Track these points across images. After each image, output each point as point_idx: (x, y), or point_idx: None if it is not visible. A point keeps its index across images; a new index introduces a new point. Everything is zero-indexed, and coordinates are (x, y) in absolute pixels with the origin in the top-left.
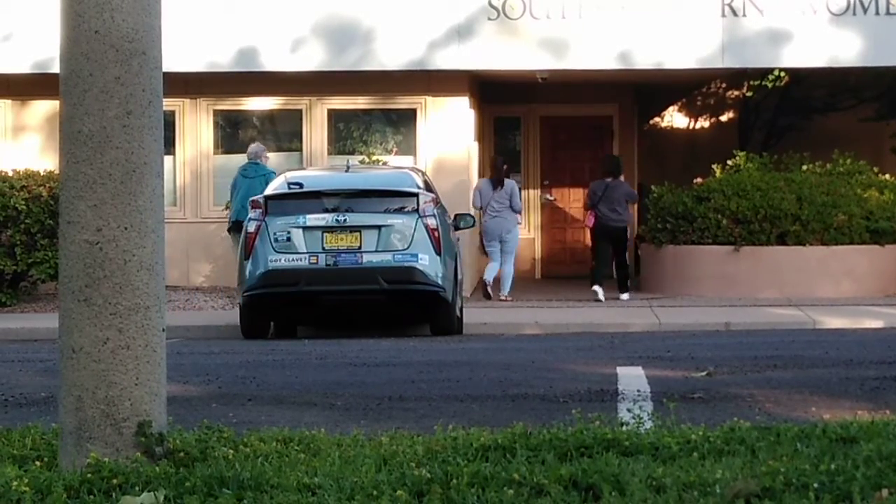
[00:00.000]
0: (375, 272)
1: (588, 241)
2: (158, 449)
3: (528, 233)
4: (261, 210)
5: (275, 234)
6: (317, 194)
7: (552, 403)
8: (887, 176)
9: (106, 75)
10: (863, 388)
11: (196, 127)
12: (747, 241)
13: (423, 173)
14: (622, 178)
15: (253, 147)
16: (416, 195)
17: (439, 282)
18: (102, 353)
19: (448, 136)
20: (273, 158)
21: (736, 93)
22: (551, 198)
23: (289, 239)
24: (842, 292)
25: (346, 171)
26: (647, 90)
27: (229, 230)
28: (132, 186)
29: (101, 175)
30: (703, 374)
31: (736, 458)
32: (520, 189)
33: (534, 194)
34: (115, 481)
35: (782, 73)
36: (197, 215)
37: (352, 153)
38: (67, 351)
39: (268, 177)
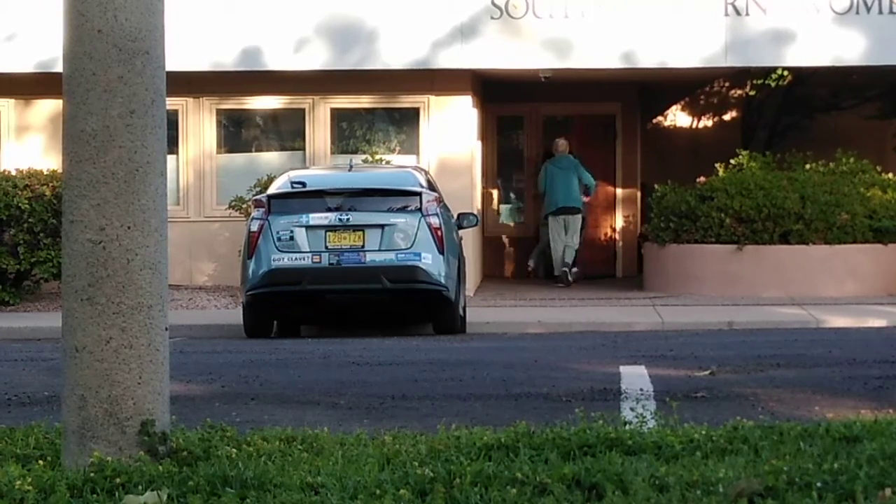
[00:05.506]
0: (378, 271)
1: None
2: (161, 448)
3: (530, 231)
4: (264, 209)
5: (278, 232)
6: (320, 193)
7: (555, 402)
8: (890, 175)
9: (109, 74)
10: (866, 387)
11: (199, 126)
12: (750, 240)
13: (426, 172)
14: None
15: (563, 142)
16: (418, 194)
17: (442, 281)
18: (105, 353)
19: (451, 135)
20: (276, 157)
21: (739, 92)
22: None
23: (292, 238)
24: (845, 291)
25: (349, 170)
26: (651, 89)
27: (545, 216)
28: (135, 185)
29: (105, 174)
30: (707, 372)
31: (739, 457)
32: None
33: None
34: (118, 480)
35: (785, 73)
36: (200, 214)
37: (355, 152)
38: (70, 350)
39: (577, 166)
